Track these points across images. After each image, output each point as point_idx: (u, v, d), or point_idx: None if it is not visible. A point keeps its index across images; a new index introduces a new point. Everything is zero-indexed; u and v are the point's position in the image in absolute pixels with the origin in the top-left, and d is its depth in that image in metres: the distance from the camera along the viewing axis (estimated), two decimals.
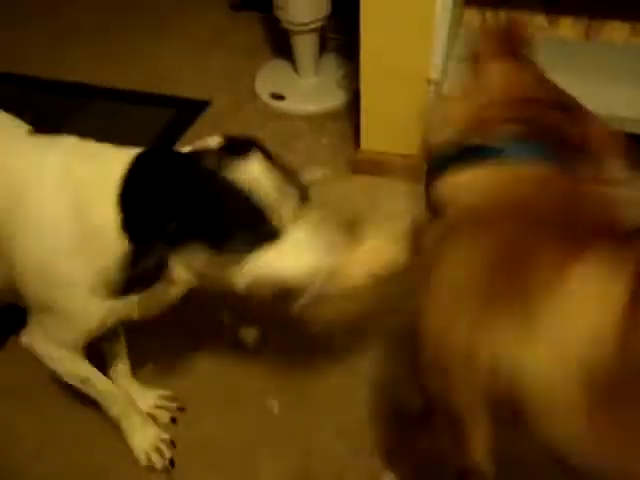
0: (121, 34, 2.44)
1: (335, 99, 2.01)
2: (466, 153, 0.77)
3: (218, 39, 2.38)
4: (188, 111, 2.01)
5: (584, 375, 0.59)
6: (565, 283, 0.62)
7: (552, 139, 0.74)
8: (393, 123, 1.68)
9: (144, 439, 1.20)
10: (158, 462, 1.19)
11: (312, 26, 1.92)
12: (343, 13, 1.99)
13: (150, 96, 2.11)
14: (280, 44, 2.25)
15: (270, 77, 2.12)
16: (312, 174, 1.74)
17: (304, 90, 2.06)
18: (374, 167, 1.75)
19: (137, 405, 1.23)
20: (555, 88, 0.84)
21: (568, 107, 0.81)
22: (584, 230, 0.66)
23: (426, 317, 0.74)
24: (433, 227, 0.80)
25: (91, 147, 1.00)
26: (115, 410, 1.17)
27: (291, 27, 1.93)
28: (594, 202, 0.69)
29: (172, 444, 1.22)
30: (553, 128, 0.76)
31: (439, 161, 0.81)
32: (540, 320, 0.63)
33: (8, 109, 1.11)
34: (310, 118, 1.96)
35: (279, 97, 2.01)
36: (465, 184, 0.77)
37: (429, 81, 1.59)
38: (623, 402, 0.59)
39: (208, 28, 2.45)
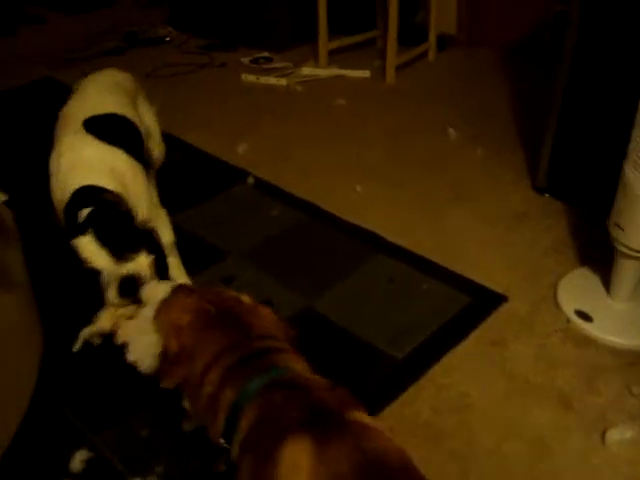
0: (420, 196, 2.45)
1: None
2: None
3: (518, 224, 2.26)
4: (483, 302, 1.89)
5: None
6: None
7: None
8: None
9: None
10: None
11: None
12: None
13: (435, 267, 2.04)
14: (591, 248, 2.08)
15: (576, 288, 1.93)
16: (617, 432, 1.50)
17: (614, 316, 1.83)
18: None
19: None
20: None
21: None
22: None
23: None
24: None
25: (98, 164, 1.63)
26: None
27: (624, 250, 1.74)
28: None
29: None
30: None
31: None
32: None
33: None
34: (618, 353, 1.72)
35: (585, 317, 1.81)
36: None
37: None
38: None
39: (507, 208, 2.35)
